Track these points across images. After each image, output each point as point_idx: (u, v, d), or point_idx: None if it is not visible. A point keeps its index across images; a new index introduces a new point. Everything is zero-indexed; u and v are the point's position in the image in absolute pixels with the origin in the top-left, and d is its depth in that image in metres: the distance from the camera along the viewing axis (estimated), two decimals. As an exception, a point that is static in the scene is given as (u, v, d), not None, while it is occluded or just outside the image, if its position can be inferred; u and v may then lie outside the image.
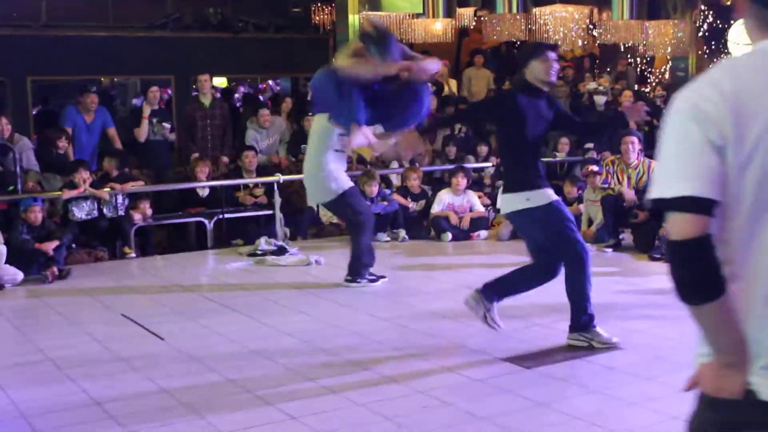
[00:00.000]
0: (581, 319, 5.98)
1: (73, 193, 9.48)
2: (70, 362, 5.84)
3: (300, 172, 11.50)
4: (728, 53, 14.82)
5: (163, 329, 6.63)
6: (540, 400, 4.90)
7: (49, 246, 8.73)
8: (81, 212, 9.59)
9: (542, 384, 5.21)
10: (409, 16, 13.96)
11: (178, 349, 6.11)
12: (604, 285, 7.97)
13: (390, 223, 10.55)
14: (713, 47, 17.94)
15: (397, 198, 10.71)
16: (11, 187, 9.57)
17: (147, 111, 11.20)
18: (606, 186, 9.89)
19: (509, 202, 6.00)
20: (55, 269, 8.58)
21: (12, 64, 12.82)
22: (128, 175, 10.25)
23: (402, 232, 10.41)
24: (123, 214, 9.81)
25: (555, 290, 7.60)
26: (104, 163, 10.38)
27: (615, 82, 15.01)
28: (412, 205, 10.70)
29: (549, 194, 5.92)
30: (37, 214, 8.84)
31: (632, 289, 7.76)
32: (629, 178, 9.89)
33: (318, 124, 7.80)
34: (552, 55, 5.97)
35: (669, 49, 15.26)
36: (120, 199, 9.80)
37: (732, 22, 13.59)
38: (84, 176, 9.55)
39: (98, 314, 7.29)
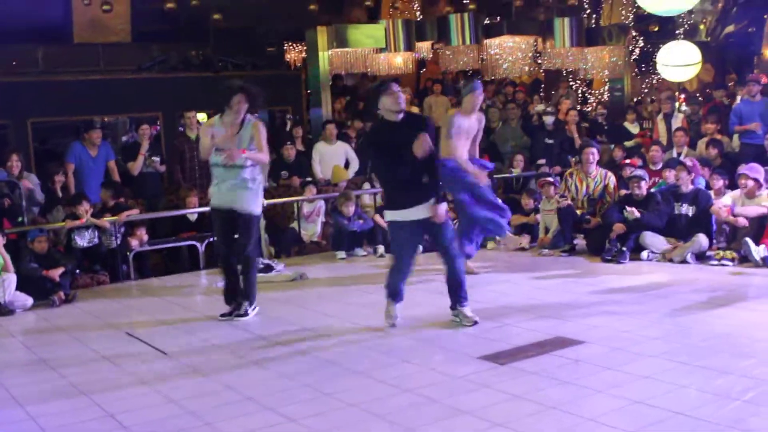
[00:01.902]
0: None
1: (76, 223, 9.36)
2: (82, 378, 5.72)
3: (281, 196, 11.53)
4: (657, 74, 14.99)
5: (166, 344, 6.53)
6: (516, 392, 4.87)
7: (56, 273, 8.61)
8: (83, 240, 9.48)
9: (517, 378, 5.17)
10: (373, 51, 13.97)
11: (181, 362, 6.02)
12: (564, 286, 8.01)
13: (369, 239, 10.50)
14: (643, 69, 18.17)
15: (378, 219, 10.54)
16: (20, 219, 9.45)
17: (145, 147, 11.09)
18: (563, 197, 9.91)
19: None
20: (61, 294, 8.44)
21: (13, 108, 12.68)
22: (123, 204, 10.12)
23: (381, 249, 10.27)
24: (119, 242, 9.67)
25: (520, 292, 7.64)
26: (101, 194, 10.25)
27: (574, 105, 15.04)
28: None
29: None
30: (43, 244, 8.75)
31: (589, 289, 7.74)
32: (587, 186, 9.92)
33: None
34: (395, 87, 6.41)
35: (606, 72, 15.41)
36: (114, 227, 9.66)
37: (660, 46, 13.73)
38: (85, 207, 9.44)
39: (104, 333, 7.16)
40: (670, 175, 9.76)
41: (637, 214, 9.08)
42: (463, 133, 8.27)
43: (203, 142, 7.20)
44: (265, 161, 7.50)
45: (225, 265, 7.36)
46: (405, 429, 4.39)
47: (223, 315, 7.28)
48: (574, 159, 12.02)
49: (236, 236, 7.21)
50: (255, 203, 7.25)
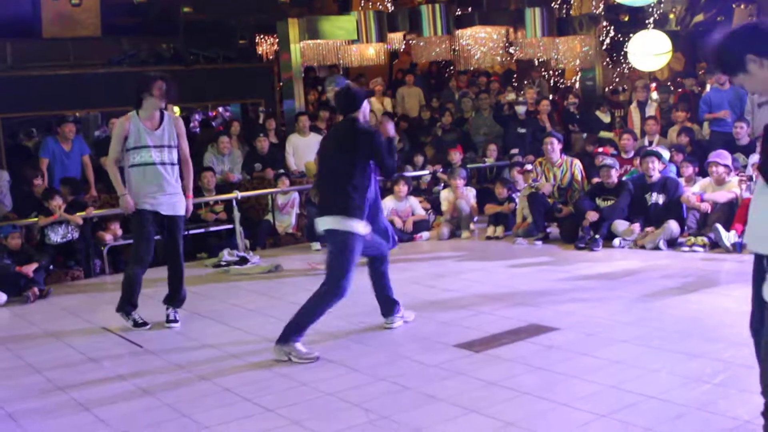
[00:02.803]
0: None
1: (50, 219, 9.29)
2: (59, 374, 5.72)
3: (255, 188, 11.51)
4: (628, 63, 15.09)
5: (141, 338, 6.54)
6: (491, 379, 4.92)
7: (29, 269, 8.57)
8: (56, 236, 9.42)
9: (491, 365, 5.23)
10: (345, 42, 13.96)
11: (157, 355, 6.02)
12: (538, 274, 8.08)
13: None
14: (615, 58, 18.28)
15: None
16: (-8, 216, 9.40)
17: None
18: (534, 183, 10.00)
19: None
20: (35, 290, 8.40)
21: (-18, 104, 12.58)
22: (81, 201, 10.02)
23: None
24: (76, 237, 9.57)
25: (494, 281, 7.68)
26: (60, 190, 10.08)
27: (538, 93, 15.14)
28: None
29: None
30: (17, 241, 8.70)
31: (562, 276, 7.84)
32: (555, 176, 10.02)
33: None
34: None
35: (578, 62, 15.48)
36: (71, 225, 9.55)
37: (630, 35, 13.83)
38: (58, 202, 9.36)
39: (80, 328, 7.15)
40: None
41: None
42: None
43: (115, 141, 6.76)
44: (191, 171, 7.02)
45: (137, 275, 6.88)
46: (380, 417, 4.42)
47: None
48: (545, 148, 12.13)
49: (169, 239, 6.85)
50: (183, 204, 6.93)
